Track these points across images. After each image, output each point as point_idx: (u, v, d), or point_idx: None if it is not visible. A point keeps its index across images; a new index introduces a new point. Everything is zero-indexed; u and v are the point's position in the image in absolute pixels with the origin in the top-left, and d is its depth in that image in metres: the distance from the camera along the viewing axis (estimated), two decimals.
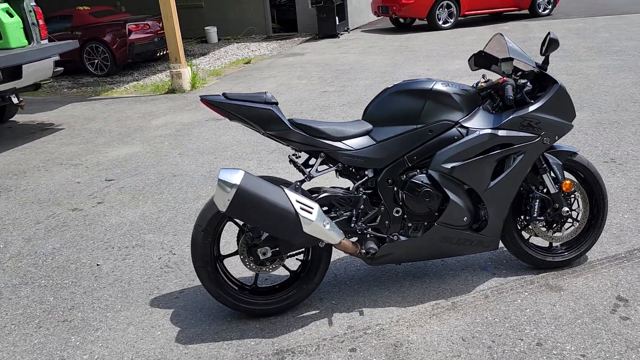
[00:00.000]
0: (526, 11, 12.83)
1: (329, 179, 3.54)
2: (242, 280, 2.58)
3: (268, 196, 2.18)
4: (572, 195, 2.57)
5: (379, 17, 14.88)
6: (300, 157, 2.49)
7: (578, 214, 2.62)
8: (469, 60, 2.69)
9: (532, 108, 2.39)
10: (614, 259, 2.68)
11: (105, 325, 2.51)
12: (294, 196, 2.22)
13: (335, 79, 7.49)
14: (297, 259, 2.59)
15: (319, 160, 2.39)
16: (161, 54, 10.25)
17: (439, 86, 2.37)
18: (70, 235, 3.46)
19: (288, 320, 2.44)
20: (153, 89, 7.99)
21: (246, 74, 8.59)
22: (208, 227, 2.33)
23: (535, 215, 2.50)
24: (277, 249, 2.35)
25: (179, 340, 2.36)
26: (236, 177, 2.16)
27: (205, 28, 12.88)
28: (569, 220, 2.60)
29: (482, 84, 2.51)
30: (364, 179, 2.40)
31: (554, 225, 2.59)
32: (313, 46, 10.94)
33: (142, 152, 5.04)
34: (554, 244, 2.67)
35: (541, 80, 2.52)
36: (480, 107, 2.45)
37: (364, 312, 2.44)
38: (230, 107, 2.28)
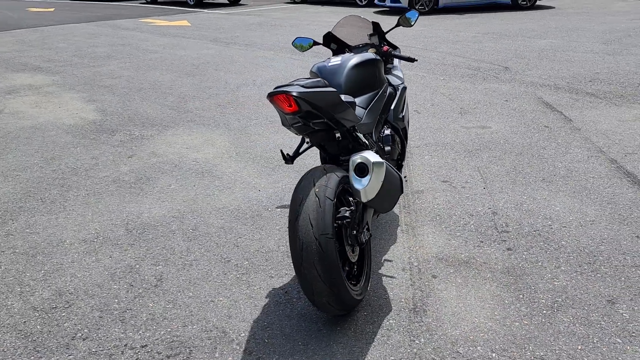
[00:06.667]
0: None
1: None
2: None
3: (389, 167, 2.19)
4: None
5: None
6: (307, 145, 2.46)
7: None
8: (293, 42, 3.19)
9: (399, 66, 3.25)
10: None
11: None
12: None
13: None
14: None
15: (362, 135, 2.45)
16: None
17: (376, 56, 2.84)
18: None
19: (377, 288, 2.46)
20: None
21: None
22: (331, 229, 2.04)
23: None
24: (367, 225, 2.33)
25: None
26: (375, 155, 2.06)
27: None
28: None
29: None
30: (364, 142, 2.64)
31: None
32: None
33: None
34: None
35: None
36: None
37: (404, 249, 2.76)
38: (317, 96, 2.04)
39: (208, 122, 5.04)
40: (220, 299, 2.44)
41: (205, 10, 15.62)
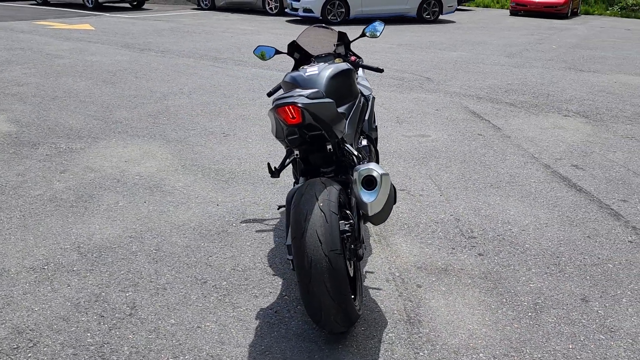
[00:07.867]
0: None
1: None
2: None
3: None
4: None
5: None
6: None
7: None
8: (255, 51, 3.09)
9: (364, 75, 3.23)
10: None
11: None
12: None
13: None
14: None
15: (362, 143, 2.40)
16: None
17: (350, 66, 2.80)
18: None
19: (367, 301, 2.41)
20: None
21: None
22: (340, 244, 1.97)
23: None
24: (362, 238, 2.28)
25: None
26: (379, 166, 2.03)
27: None
28: None
29: None
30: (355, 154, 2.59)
31: None
32: None
33: None
34: None
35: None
36: None
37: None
38: (320, 107, 1.97)
39: (142, 133, 4.73)
40: (207, 324, 2.27)
41: (107, 14, 14.76)
